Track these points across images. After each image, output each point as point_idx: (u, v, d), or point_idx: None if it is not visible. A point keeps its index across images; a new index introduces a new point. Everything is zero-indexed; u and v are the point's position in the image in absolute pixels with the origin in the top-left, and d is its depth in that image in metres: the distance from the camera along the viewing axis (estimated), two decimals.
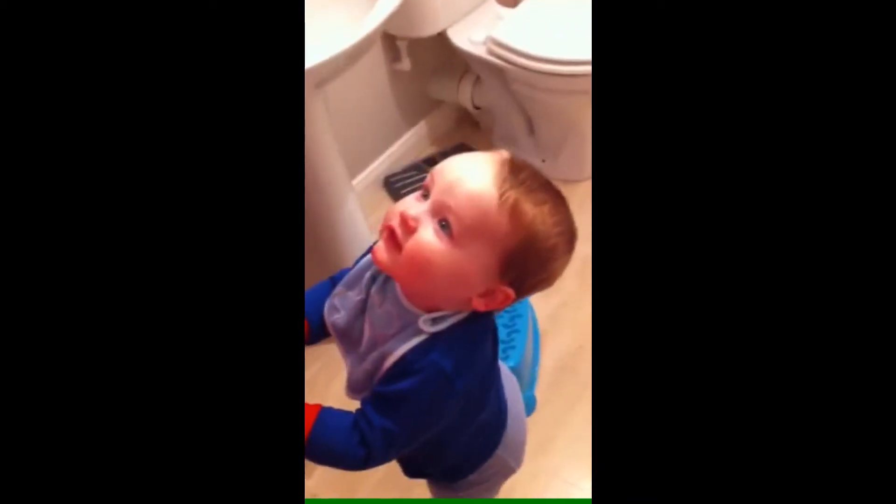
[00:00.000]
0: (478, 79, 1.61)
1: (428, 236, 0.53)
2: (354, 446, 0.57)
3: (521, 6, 1.55)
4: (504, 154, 0.58)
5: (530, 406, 1.16)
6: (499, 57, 1.44)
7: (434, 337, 0.56)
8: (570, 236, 0.57)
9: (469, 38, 1.49)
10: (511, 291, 0.56)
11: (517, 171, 0.55)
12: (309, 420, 0.58)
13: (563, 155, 1.58)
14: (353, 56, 0.86)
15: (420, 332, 0.56)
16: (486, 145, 1.70)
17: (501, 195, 0.53)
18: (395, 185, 1.63)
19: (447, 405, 0.57)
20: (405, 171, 1.65)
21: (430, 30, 1.45)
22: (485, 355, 0.61)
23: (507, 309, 1.16)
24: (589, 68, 1.35)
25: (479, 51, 1.47)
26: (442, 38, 1.50)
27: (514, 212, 0.53)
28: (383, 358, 0.58)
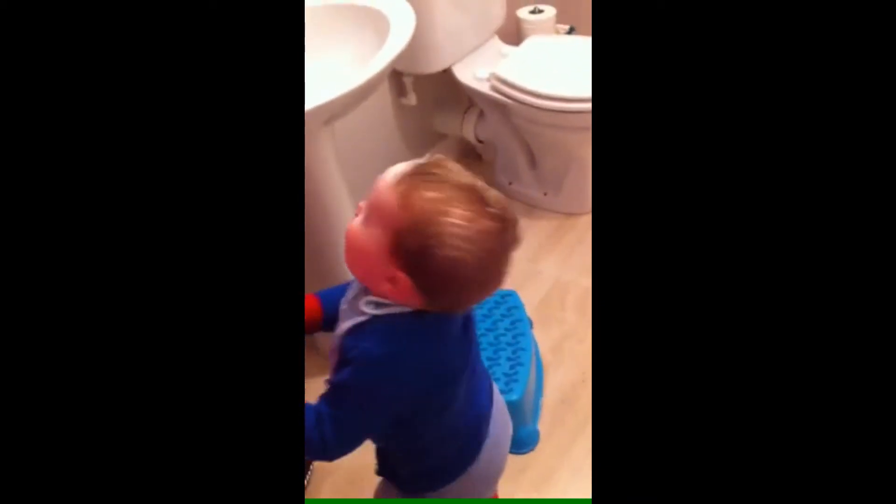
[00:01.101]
0: (481, 113, 1.65)
1: (355, 219, 0.61)
2: (312, 432, 0.60)
3: (524, 45, 1.59)
4: (435, 157, 0.62)
5: (533, 440, 1.16)
6: (501, 93, 1.48)
7: (374, 322, 0.60)
8: (478, 239, 0.57)
9: (473, 74, 1.53)
10: (407, 279, 0.58)
11: (427, 168, 0.59)
12: None
13: (565, 188, 1.60)
14: (361, 94, 0.89)
15: (361, 312, 0.61)
16: (489, 178, 1.72)
17: (398, 182, 0.58)
18: None
19: (385, 393, 0.60)
20: None
21: (435, 66, 1.49)
22: (433, 354, 0.63)
23: (511, 342, 1.17)
24: (588, 105, 1.38)
25: (483, 87, 1.51)
26: (447, 74, 1.54)
27: (405, 196, 0.57)
28: (338, 341, 0.62)
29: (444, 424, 0.68)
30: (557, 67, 1.48)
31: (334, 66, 1.01)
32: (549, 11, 1.75)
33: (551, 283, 1.46)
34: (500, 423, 0.77)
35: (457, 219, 0.56)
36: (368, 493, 0.86)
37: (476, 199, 0.57)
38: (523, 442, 1.14)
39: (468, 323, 0.69)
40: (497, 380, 1.10)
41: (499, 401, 0.78)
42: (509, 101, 1.47)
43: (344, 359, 0.60)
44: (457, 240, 0.56)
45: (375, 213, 0.59)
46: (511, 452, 1.13)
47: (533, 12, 1.76)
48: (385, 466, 0.76)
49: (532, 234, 1.58)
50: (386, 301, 0.60)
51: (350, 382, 0.60)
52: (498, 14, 1.60)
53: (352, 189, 1.13)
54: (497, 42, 1.64)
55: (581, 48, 1.54)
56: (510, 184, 1.69)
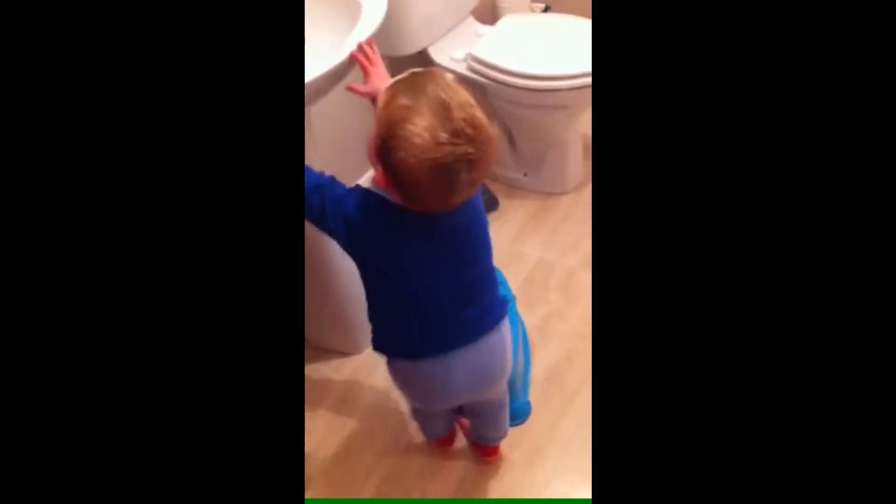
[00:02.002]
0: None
1: None
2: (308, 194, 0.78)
3: (499, 24, 1.58)
4: (432, 69, 0.74)
5: (525, 411, 1.17)
6: (479, 73, 1.47)
7: (362, 187, 0.79)
8: (428, 147, 0.66)
9: (450, 55, 1.52)
10: (381, 171, 0.72)
11: (416, 77, 0.71)
12: None
13: (545, 169, 1.60)
14: (334, 77, 0.88)
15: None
16: None
17: (391, 86, 0.71)
18: None
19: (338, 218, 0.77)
20: None
21: (410, 48, 1.47)
22: (374, 221, 0.77)
23: None
24: (565, 83, 1.38)
25: (460, 68, 1.50)
26: (423, 57, 1.52)
27: (387, 100, 0.70)
28: None
29: (386, 298, 0.82)
30: (535, 46, 1.47)
31: (309, 53, 1.00)
32: None
33: (534, 264, 1.46)
34: (455, 373, 0.83)
35: (415, 126, 0.65)
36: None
37: (441, 113, 0.66)
38: (516, 414, 1.16)
39: (455, 260, 0.78)
40: None
41: (486, 352, 0.84)
42: (487, 81, 1.46)
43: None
44: (410, 145, 0.66)
45: (375, 108, 0.72)
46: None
47: None
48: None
49: (514, 215, 1.58)
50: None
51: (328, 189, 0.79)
52: None
53: (352, 169, 1.13)
54: (473, 22, 1.63)
55: (558, 26, 1.53)
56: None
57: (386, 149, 0.68)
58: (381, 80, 0.84)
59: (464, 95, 0.69)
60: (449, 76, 0.72)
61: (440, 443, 1.12)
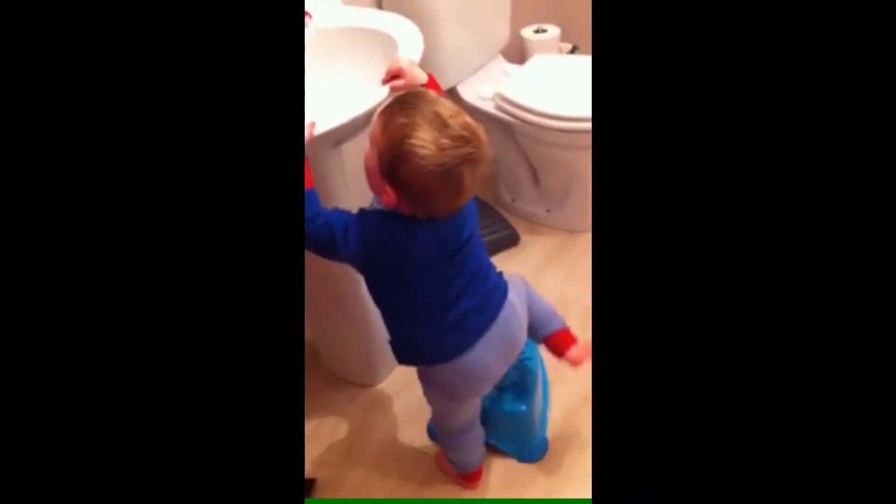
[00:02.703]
0: (485, 131, 1.66)
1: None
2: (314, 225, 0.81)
3: (527, 64, 1.61)
4: (416, 89, 0.80)
5: (543, 448, 1.16)
6: (505, 112, 1.49)
7: (368, 209, 0.83)
8: (433, 155, 0.72)
9: (478, 93, 1.55)
10: (391, 190, 0.76)
11: (404, 98, 0.76)
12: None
13: (567, 205, 1.61)
14: (370, 117, 0.90)
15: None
16: (492, 194, 1.74)
17: (382, 112, 0.76)
18: None
19: (341, 238, 0.80)
20: None
21: (440, 86, 1.50)
22: (388, 236, 0.80)
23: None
24: (589, 125, 1.40)
25: (487, 106, 1.52)
26: (452, 94, 1.55)
27: (384, 124, 0.75)
28: None
29: (398, 306, 0.86)
30: (561, 87, 1.50)
31: (344, 88, 1.03)
32: (553, 31, 1.77)
33: (554, 300, 1.45)
34: (488, 354, 0.89)
35: (419, 139, 0.72)
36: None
37: (438, 123, 0.72)
38: (533, 451, 1.15)
39: (460, 255, 0.84)
40: (505, 390, 1.12)
41: (505, 325, 0.89)
42: (513, 119, 1.48)
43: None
44: (418, 157, 0.72)
45: (370, 139, 0.76)
46: (522, 461, 1.14)
47: (537, 32, 1.78)
48: (393, 349, 0.93)
49: (535, 250, 1.59)
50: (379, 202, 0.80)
51: (335, 217, 0.82)
52: (502, 34, 1.62)
53: (367, 204, 1.15)
54: (501, 61, 1.66)
55: (584, 67, 1.56)
56: (513, 200, 1.70)
57: (394, 166, 0.74)
58: (417, 75, 0.89)
59: (451, 105, 0.76)
60: (432, 92, 0.79)
61: (472, 476, 1.12)
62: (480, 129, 0.76)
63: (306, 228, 0.80)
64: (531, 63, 1.61)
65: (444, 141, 0.72)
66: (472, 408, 1.02)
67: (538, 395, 1.16)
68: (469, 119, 0.76)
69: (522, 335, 0.95)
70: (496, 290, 0.90)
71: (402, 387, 1.30)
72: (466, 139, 0.73)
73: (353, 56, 1.05)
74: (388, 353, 1.31)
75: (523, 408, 1.10)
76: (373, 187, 0.80)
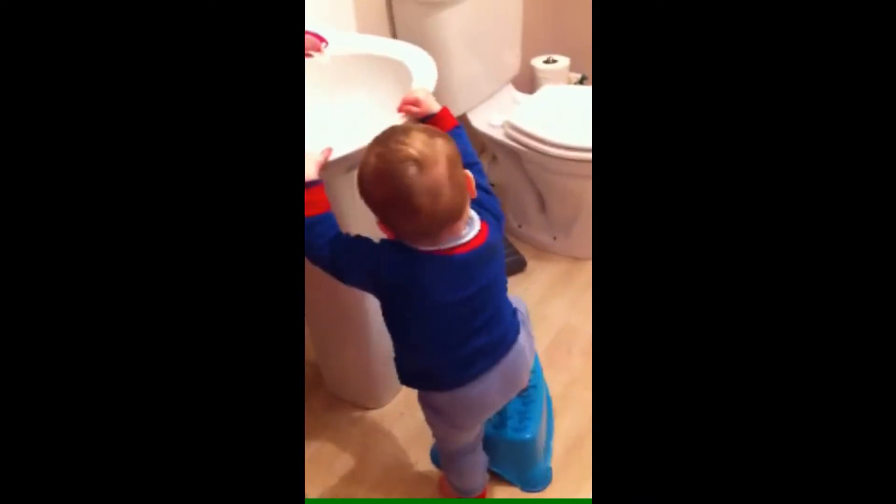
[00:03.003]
0: (494, 157, 1.68)
1: None
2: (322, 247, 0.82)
3: (537, 93, 1.63)
4: (398, 126, 0.79)
5: (546, 478, 1.16)
6: (514, 140, 1.51)
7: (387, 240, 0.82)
8: (374, 173, 0.75)
9: (488, 121, 1.57)
10: (380, 223, 0.79)
11: (380, 136, 0.77)
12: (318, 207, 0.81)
13: (574, 233, 1.62)
14: None
15: None
16: None
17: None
18: None
19: (357, 266, 0.82)
20: None
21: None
22: (398, 267, 0.81)
23: None
24: None
25: (497, 133, 1.55)
26: (462, 121, 1.58)
27: (362, 164, 0.77)
28: None
29: (410, 336, 0.86)
30: (569, 116, 1.52)
31: (358, 113, 1.05)
32: (563, 61, 1.80)
33: (558, 329, 1.46)
34: (490, 389, 0.90)
35: (366, 168, 0.75)
36: None
37: (381, 142, 0.75)
38: (536, 480, 1.14)
39: (478, 299, 0.83)
40: (510, 417, 1.11)
41: (511, 366, 0.90)
42: (522, 147, 1.50)
43: None
44: (363, 174, 0.76)
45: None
46: (524, 490, 1.13)
47: (547, 62, 1.81)
48: (398, 371, 0.93)
49: (540, 277, 1.59)
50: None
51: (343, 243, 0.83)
52: (513, 63, 1.65)
53: (372, 226, 1.16)
54: (511, 90, 1.69)
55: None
56: (520, 227, 1.71)
57: (361, 193, 0.77)
58: (431, 105, 0.91)
59: (417, 133, 0.75)
60: (409, 125, 0.79)
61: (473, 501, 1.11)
62: (429, 134, 0.75)
63: (325, 253, 0.80)
64: (541, 92, 1.64)
65: (382, 150, 0.74)
66: (472, 433, 1.02)
67: (543, 425, 1.16)
68: (418, 132, 0.75)
69: (526, 373, 0.95)
70: (509, 331, 0.90)
71: (405, 409, 1.30)
72: (407, 143, 0.73)
73: (367, 83, 1.07)
74: (391, 376, 1.31)
75: (527, 436, 1.09)
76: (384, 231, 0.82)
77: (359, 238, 0.84)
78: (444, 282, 0.80)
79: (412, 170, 0.72)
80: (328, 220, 0.82)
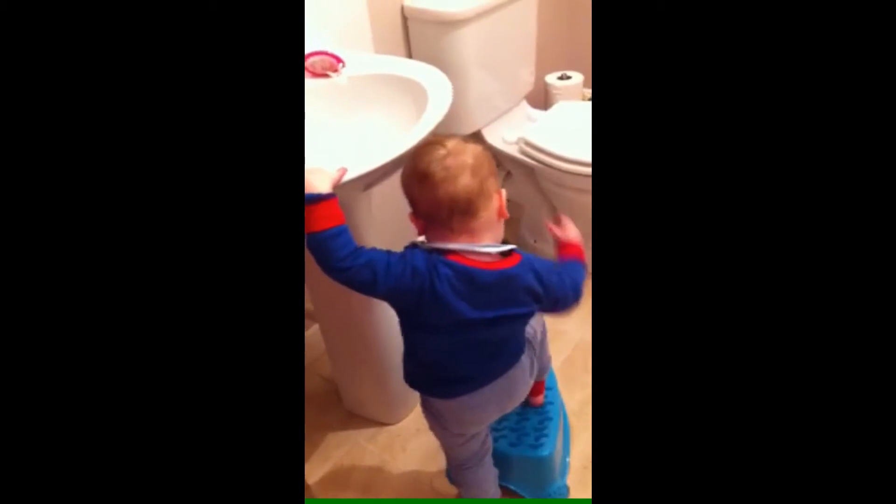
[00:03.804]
0: (508, 174, 1.69)
1: None
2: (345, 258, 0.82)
3: (551, 110, 1.64)
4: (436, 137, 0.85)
5: (562, 495, 1.15)
6: (529, 156, 1.52)
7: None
8: (409, 158, 0.83)
9: (502, 137, 1.58)
10: (411, 216, 0.84)
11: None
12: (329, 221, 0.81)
13: (588, 248, 1.62)
14: (399, 162, 0.93)
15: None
16: (514, 236, 1.75)
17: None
18: None
19: (382, 275, 0.82)
20: None
21: (466, 130, 1.54)
22: (417, 269, 0.82)
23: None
24: None
25: (511, 150, 1.56)
26: (477, 137, 1.59)
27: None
28: None
29: (417, 342, 0.88)
30: (583, 133, 1.53)
31: (375, 133, 1.06)
32: (577, 78, 1.81)
33: (574, 344, 1.46)
34: (485, 403, 0.92)
35: (408, 169, 0.83)
36: None
37: (419, 149, 0.82)
38: (551, 497, 1.14)
39: (491, 328, 0.84)
40: (526, 434, 1.11)
41: (511, 383, 0.92)
42: (536, 163, 1.51)
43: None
44: (402, 172, 0.83)
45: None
46: None
47: (561, 78, 1.82)
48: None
49: None
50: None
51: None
52: (527, 80, 1.67)
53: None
54: (526, 106, 1.70)
55: None
56: (535, 242, 1.71)
57: (403, 188, 0.83)
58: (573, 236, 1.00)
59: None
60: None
61: None
62: (473, 145, 0.82)
63: (347, 265, 0.81)
64: (555, 109, 1.65)
65: (419, 151, 0.82)
66: (475, 442, 1.02)
67: (559, 441, 1.15)
68: (463, 139, 0.83)
69: (524, 391, 0.96)
70: (514, 355, 0.91)
71: (422, 425, 1.30)
72: (442, 145, 0.81)
73: (384, 102, 1.09)
74: (407, 393, 1.32)
75: (544, 453, 1.09)
76: (419, 230, 0.87)
77: (385, 250, 0.85)
78: (459, 293, 0.81)
79: (440, 150, 0.80)
80: (345, 233, 0.82)
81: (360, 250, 0.82)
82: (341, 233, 0.81)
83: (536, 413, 1.15)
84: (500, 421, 1.15)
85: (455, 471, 1.06)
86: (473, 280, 0.80)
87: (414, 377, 0.93)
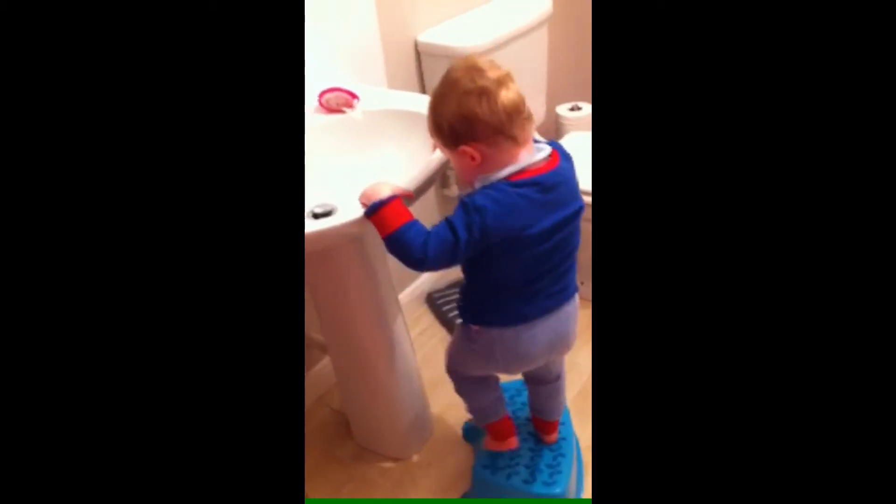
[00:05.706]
0: None
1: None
2: (417, 249, 0.83)
3: (562, 140, 1.65)
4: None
5: None
6: None
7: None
8: (440, 92, 0.86)
9: None
10: (467, 149, 0.84)
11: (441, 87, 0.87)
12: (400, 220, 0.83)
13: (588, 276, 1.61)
14: (416, 192, 0.94)
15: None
16: None
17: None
18: (438, 302, 1.67)
19: (463, 231, 0.83)
20: (448, 287, 1.71)
21: None
22: (506, 197, 0.83)
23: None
24: None
25: None
26: None
27: (431, 105, 0.88)
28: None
29: (491, 274, 0.89)
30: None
31: (388, 166, 1.07)
32: (587, 109, 1.83)
33: (588, 376, 1.44)
34: (540, 338, 0.95)
35: (434, 99, 0.87)
36: None
37: (460, 78, 0.84)
38: None
39: (566, 230, 0.88)
40: (539, 471, 1.10)
41: (565, 319, 0.96)
42: None
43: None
44: (436, 110, 0.86)
45: (439, 146, 0.91)
46: None
47: (572, 109, 1.83)
48: (461, 307, 0.98)
49: None
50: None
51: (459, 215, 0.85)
52: (538, 112, 1.68)
53: (397, 279, 1.17)
54: (537, 138, 1.71)
55: None
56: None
57: (451, 123, 0.84)
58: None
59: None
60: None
61: (504, 432, 1.14)
62: (494, 63, 0.85)
63: (430, 246, 0.82)
64: (566, 140, 1.66)
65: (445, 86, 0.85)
66: (503, 375, 1.07)
67: (573, 478, 1.13)
68: (490, 61, 0.85)
69: (574, 335, 1.00)
70: (570, 285, 0.95)
71: (433, 460, 1.29)
72: (475, 66, 0.84)
73: (397, 137, 1.10)
74: (419, 428, 1.30)
75: (557, 490, 1.07)
76: (467, 182, 0.89)
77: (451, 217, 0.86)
78: (535, 203, 0.83)
79: (479, 69, 0.83)
80: (417, 224, 0.84)
81: (429, 235, 0.84)
82: (415, 224, 0.84)
83: (550, 450, 1.13)
84: (513, 457, 1.13)
85: (458, 382, 1.09)
86: (543, 186, 0.84)
87: (475, 311, 0.95)
